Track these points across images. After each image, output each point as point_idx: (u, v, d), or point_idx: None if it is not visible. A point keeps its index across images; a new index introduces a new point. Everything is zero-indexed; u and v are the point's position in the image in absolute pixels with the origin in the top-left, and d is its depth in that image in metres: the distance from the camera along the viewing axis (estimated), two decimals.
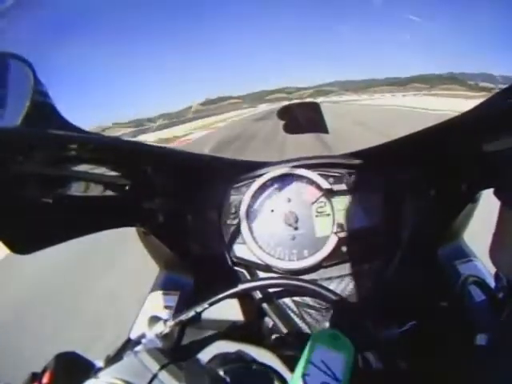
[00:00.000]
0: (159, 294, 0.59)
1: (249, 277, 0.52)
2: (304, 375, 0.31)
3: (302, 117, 0.49)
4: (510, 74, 0.34)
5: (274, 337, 0.50)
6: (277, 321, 0.48)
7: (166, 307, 0.54)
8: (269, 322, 0.52)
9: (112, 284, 1.85)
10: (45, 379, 0.32)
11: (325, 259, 0.49)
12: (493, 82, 0.35)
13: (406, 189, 0.53)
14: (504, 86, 0.33)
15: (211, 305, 0.40)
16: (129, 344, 0.40)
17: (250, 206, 0.52)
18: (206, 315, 0.53)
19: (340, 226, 0.51)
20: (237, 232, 0.52)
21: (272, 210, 0.52)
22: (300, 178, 0.53)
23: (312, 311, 0.49)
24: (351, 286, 0.50)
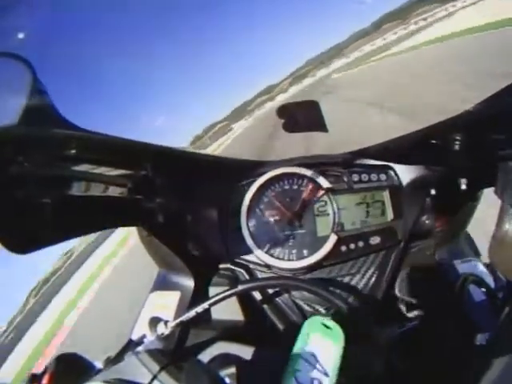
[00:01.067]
0: (159, 294, 0.59)
1: (248, 277, 0.52)
2: (296, 371, 0.31)
3: (300, 115, 0.49)
4: None
5: (274, 337, 0.50)
6: (277, 321, 0.48)
7: (167, 308, 0.54)
8: (269, 321, 0.52)
9: None
10: (44, 380, 0.32)
11: (324, 258, 0.49)
12: None
13: (406, 187, 0.54)
14: None
15: (211, 305, 0.40)
16: (130, 345, 0.40)
17: (250, 206, 0.52)
18: (206, 316, 0.53)
19: (340, 225, 0.51)
20: (237, 232, 0.52)
21: (272, 210, 0.52)
22: (301, 177, 0.53)
23: (312, 310, 0.49)
24: (351, 285, 0.50)
